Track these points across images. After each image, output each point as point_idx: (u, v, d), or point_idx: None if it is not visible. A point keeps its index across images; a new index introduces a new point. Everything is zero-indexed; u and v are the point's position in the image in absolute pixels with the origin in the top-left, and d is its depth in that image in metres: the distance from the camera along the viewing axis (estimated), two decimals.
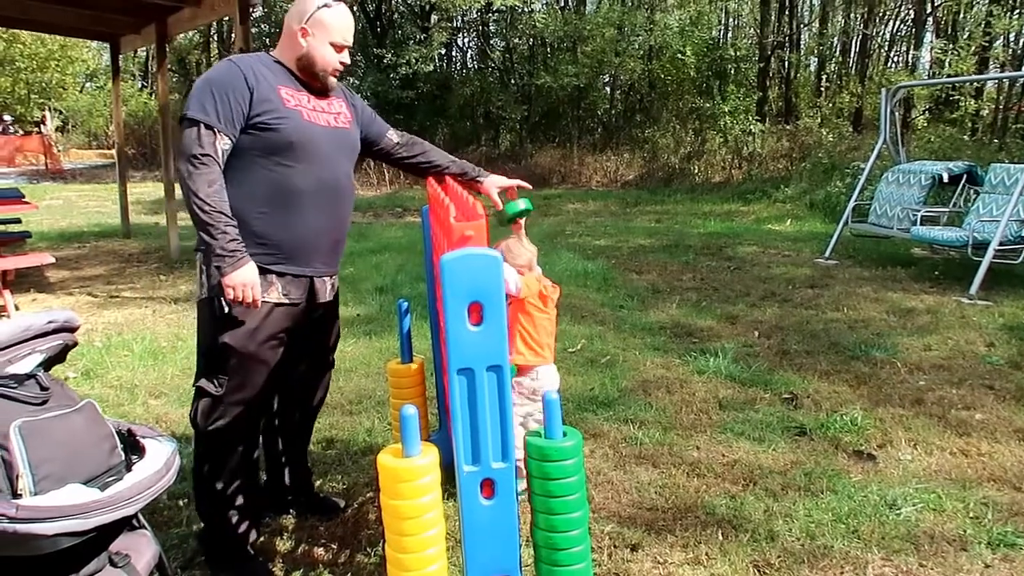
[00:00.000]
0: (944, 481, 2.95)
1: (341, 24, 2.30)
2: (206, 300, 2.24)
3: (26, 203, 6.62)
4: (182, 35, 24.83)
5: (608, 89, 21.72)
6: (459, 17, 21.07)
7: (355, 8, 21.42)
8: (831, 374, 4.19)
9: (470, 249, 1.70)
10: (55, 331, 1.69)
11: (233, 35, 5.88)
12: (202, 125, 2.09)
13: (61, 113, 31.03)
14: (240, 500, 2.39)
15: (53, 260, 6.12)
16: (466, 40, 23.57)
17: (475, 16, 20.77)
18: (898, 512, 2.70)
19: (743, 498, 2.81)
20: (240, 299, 2.11)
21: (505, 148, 20.23)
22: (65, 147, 28.27)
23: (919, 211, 6.96)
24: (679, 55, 17.78)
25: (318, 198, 2.29)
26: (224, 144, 2.13)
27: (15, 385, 1.66)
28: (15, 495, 1.52)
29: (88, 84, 33.13)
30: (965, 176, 7.17)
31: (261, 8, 21.79)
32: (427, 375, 3.33)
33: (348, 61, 2.36)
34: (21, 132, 26.95)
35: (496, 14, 20.66)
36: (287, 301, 2.29)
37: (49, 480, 1.55)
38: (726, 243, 8.70)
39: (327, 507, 2.79)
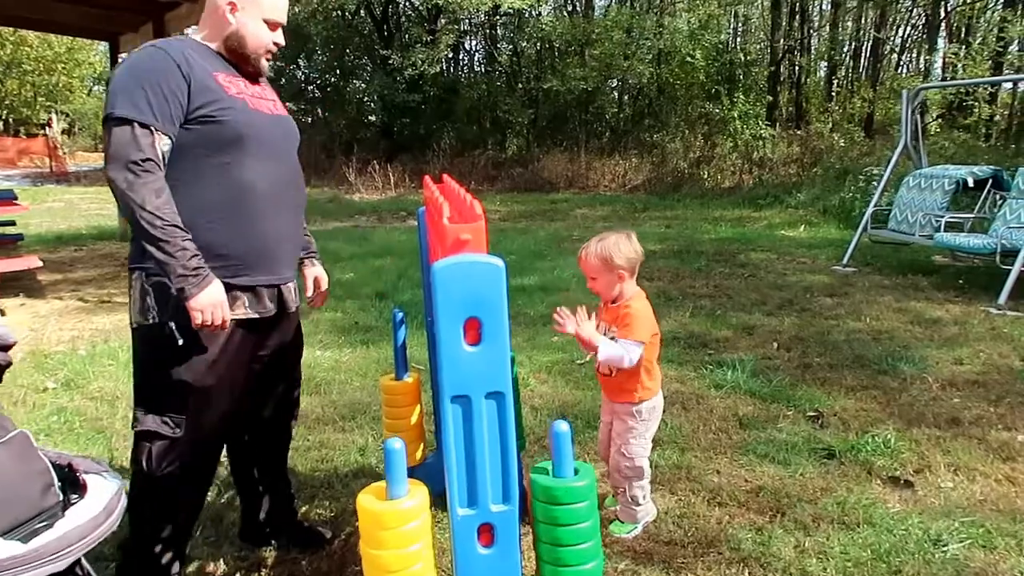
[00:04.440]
0: (991, 512, 2.67)
1: None
2: (154, 327, 1.92)
3: (17, 205, 6.40)
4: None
5: (616, 93, 21.48)
6: (466, 20, 20.85)
7: (361, 10, 21.31)
8: (858, 390, 3.91)
9: (467, 256, 1.45)
10: None
11: None
12: (136, 124, 1.81)
13: (67, 116, 31.00)
14: (180, 545, 2.17)
15: (41, 264, 5.91)
16: (473, 43, 23.37)
17: (483, 19, 20.55)
18: (944, 549, 2.43)
19: (771, 531, 2.55)
20: (209, 323, 1.85)
21: (512, 152, 20.00)
22: (71, 150, 28.23)
23: (943, 217, 6.67)
24: (689, 59, 17.54)
25: (276, 196, 2.03)
26: (164, 144, 1.86)
27: None
28: None
29: (96, 87, 33.13)
30: (990, 181, 6.89)
31: None
32: (426, 389, 3.08)
33: (283, 41, 2.10)
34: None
35: (504, 17, 20.45)
36: (256, 315, 2.03)
37: None
38: (739, 249, 8.43)
39: (311, 538, 2.53)
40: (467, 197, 1.69)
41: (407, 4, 22.17)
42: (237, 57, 2.04)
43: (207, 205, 1.91)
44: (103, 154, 1.85)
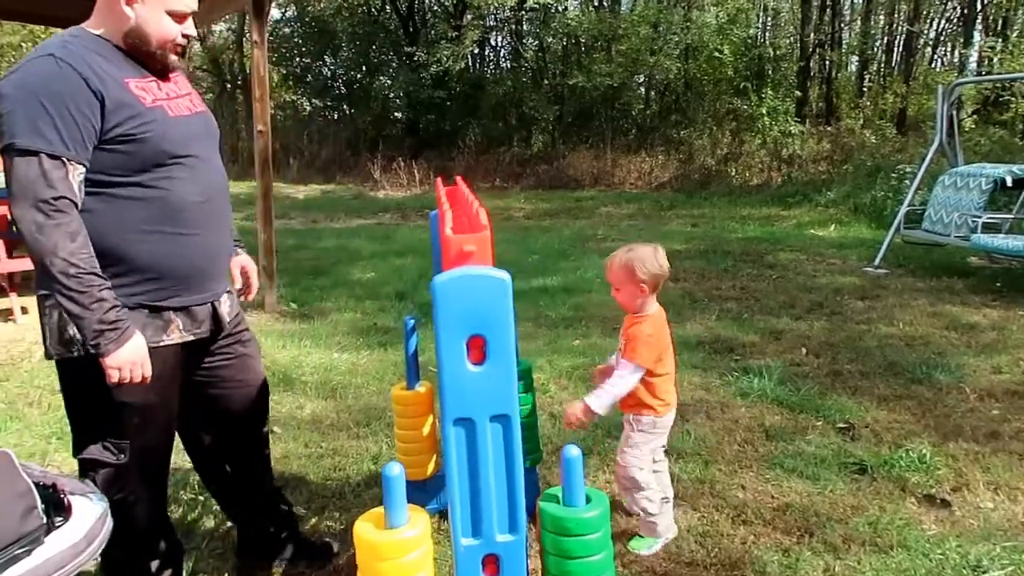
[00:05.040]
0: None
1: None
2: (80, 360, 1.75)
3: None
4: (217, 35, 24.90)
5: (643, 89, 21.23)
6: (492, 15, 20.71)
7: (387, 6, 21.29)
8: (891, 400, 3.75)
9: (470, 269, 1.35)
10: None
11: (248, 31, 5.59)
12: (44, 156, 1.59)
13: None
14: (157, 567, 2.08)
15: None
16: (499, 39, 23.21)
17: (508, 14, 20.38)
18: None
19: (799, 553, 2.42)
20: (127, 380, 1.71)
21: (537, 149, 19.84)
22: None
23: (980, 217, 6.43)
24: (717, 54, 17.25)
25: (206, 208, 1.87)
26: (78, 175, 1.65)
27: None
28: None
29: None
30: None
31: (292, 8, 21.71)
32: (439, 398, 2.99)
33: (193, 32, 1.86)
34: None
35: (529, 12, 20.29)
36: (192, 337, 1.91)
37: None
38: (767, 249, 8.24)
39: (318, 551, 2.45)
40: (474, 203, 1.59)
41: (432, 0, 22.10)
42: (141, 55, 1.79)
43: (133, 226, 1.74)
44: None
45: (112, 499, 1.71)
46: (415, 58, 19.10)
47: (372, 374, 4.30)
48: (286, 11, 22.32)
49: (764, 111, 15.91)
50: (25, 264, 5.82)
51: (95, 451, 1.86)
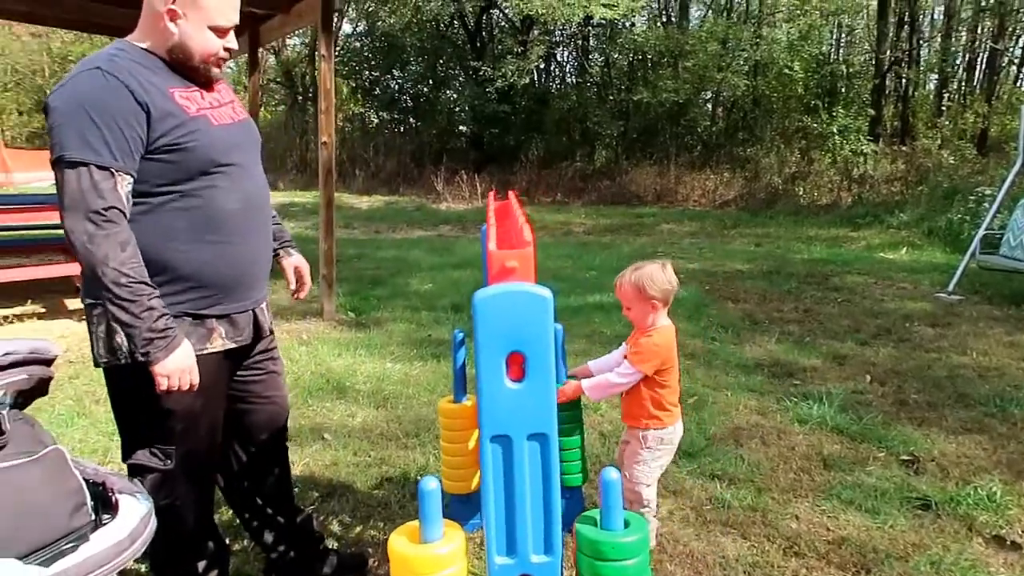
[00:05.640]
0: None
1: (221, 0, 1.79)
2: (127, 367, 1.78)
3: None
4: (291, 48, 25.67)
5: (709, 105, 20.98)
6: (558, 31, 20.80)
7: (455, 22, 21.60)
8: (960, 433, 3.58)
9: (511, 285, 1.34)
10: (16, 364, 1.42)
11: (318, 44, 5.74)
12: (94, 167, 1.63)
13: None
14: (204, 568, 2.11)
15: None
16: (565, 54, 23.29)
17: (574, 30, 20.45)
18: None
19: None
20: (175, 388, 1.73)
21: (600, 164, 19.78)
22: None
23: None
24: (787, 71, 16.93)
25: (247, 216, 1.89)
26: (126, 185, 1.69)
27: None
28: None
29: None
30: None
31: (363, 23, 22.20)
32: None
33: (235, 45, 1.88)
34: None
35: (596, 28, 20.31)
36: (234, 345, 1.93)
37: None
38: (833, 271, 8.00)
39: (351, 563, 2.46)
40: (521, 219, 1.58)
41: (500, 15, 22.33)
42: (185, 68, 1.82)
43: (176, 235, 1.77)
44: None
45: (159, 503, 1.75)
46: (481, 72, 19.31)
47: (424, 385, 4.32)
48: (357, 26, 22.89)
49: (835, 129, 15.52)
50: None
51: (142, 456, 1.90)
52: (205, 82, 1.88)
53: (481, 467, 1.39)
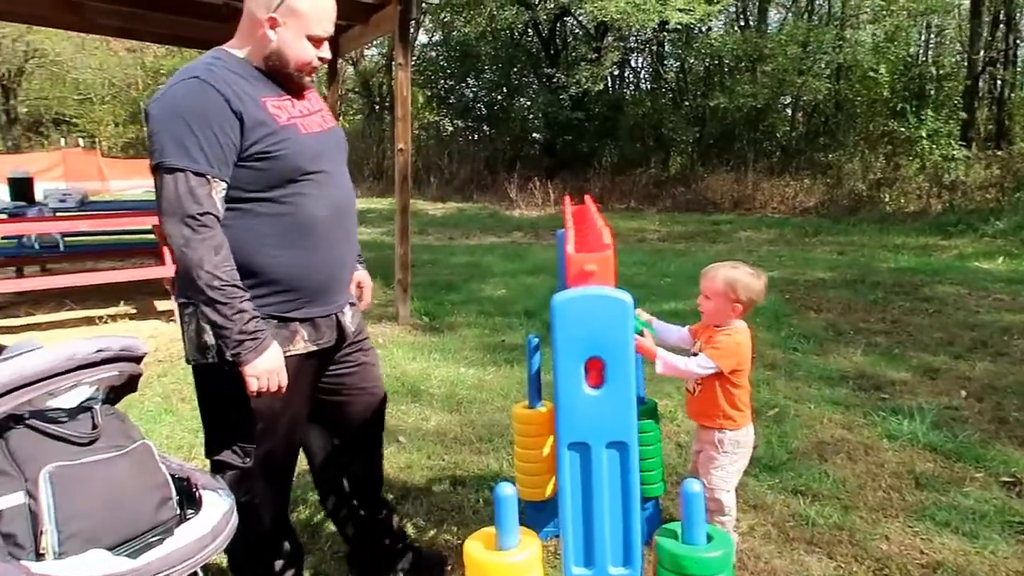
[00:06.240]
0: None
1: (320, 11, 1.84)
2: (214, 366, 1.84)
3: None
4: (368, 58, 26.28)
5: (789, 110, 20.42)
6: (633, 37, 20.64)
7: (529, 29, 21.68)
8: None
9: (590, 289, 1.30)
10: (107, 360, 1.47)
11: (395, 54, 5.83)
12: (191, 174, 1.69)
13: None
14: (281, 567, 2.15)
15: None
16: (639, 60, 23.09)
17: (649, 35, 20.24)
18: None
19: None
20: (264, 389, 1.78)
21: (675, 170, 19.49)
22: None
23: None
24: (872, 73, 16.32)
25: (334, 222, 1.93)
26: (220, 191, 1.75)
27: (65, 419, 1.45)
28: (39, 555, 1.29)
29: None
30: None
31: (438, 33, 22.52)
32: None
33: (328, 55, 1.92)
34: None
35: (671, 33, 20.05)
36: (315, 348, 1.96)
37: (76, 540, 1.32)
38: (922, 281, 7.63)
39: (431, 561, 2.46)
40: (599, 222, 1.54)
41: (574, 22, 22.30)
42: (280, 76, 1.87)
43: (265, 240, 1.82)
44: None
45: (238, 500, 1.78)
46: (555, 79, 19.31)
47: (497, 390, 4.31)
48: (433, 36, 23.25)
49: (924, 134, 14.86)
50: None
51: (224, 454, 1.96)
52: (297, 89, 1.93)
53: (558, 475, 1.36)
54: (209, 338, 1.81)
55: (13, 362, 1.36)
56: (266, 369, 1.76)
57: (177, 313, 1.94)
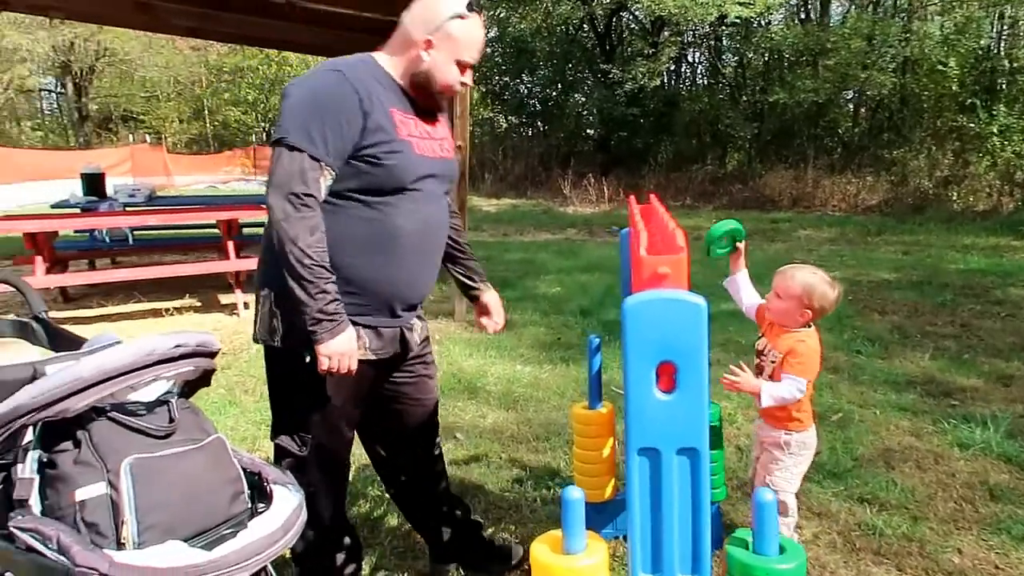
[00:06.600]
0: None
1: (473, 39, 1.92)
2: (282, 351, 1.92)
3: (263, 208, 7.07)
4: None
5: (851, 105, 19.87)
6: (690, 31, 20.34)
7: (585, 25, 21.56)
8: None
9: (663, 292, 1.28)
10: (184, 356, 1.50)
11: None
12: (307, 156, 1.75)
13: None
14: (342, 561, 2.19)
15: None
16: (696, 55, 22.76)
17: (707, 30, 19.93)
18: None
19: None
20: (335, 370, 1.82)
21: (732, 167, 19.19)
22: None
23: None
24: (940, 67, 15.75)
25: (420, 240, 1.96)
26: (328, 181, 1.80)
27: (144, 412, 1.49)
28: (119, 544, 1.33)
29: None
30: None
31: (494, 29, 22.56)
32: (621, 419, 2.92)
33: (471, 82, 1.99)
34: None
35: (730, 27, 19.71)
36: (373, 357, 1.97)
37: (155, 531, 1.35)
38: (993, 283, 7.34)
39: (499, 553, 2.47)
40: (671, 223, 1.52)
41: (630, 17, 22.10)
42: (419, 93, 1.94)
43: (350, 240, 1.86)
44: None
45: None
46: (610, 75, 19.19)
47: (554, 389, 4.30)
48: (488, 32, 23.27)
49: (995, 130, 14.27)
50: (250, 264, 6.46)
51: (285, 439, 2.03)
52: (430, 110, 2.00)
53: (627, 480, 1.34)
54: (278, 323, 1.89)
55: (96, 356, 1.40)
56: (338, 351, 1.80)
57: (255, 294, 2.02)
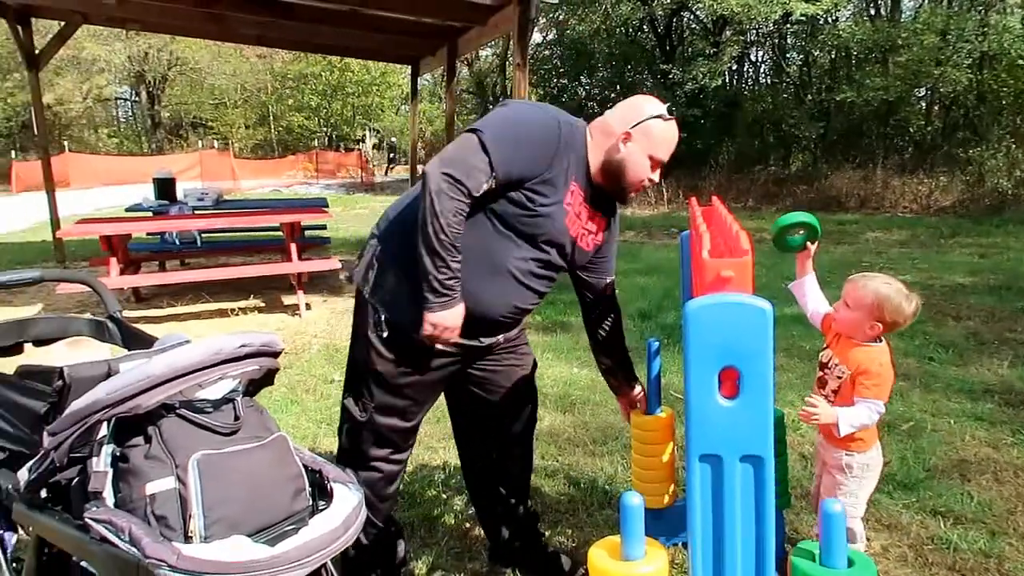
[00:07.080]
0: None
1: (668, 140, 2.04)
2: (366, 300, 2.04)
3: (325, 212, 7.22)
4: (483, 59, 26.67)
5: (924, 103, 19.20)
6: (754, 30, 19.96)
7: (644, 26, 21.36)
8: None
9: (727, 296, 1.25)
10: (249, 356, 1.54)
11: (511, 54, 5.87)
12: (485, 157, 1.85)
13: (378, 132, 35.06)
14: (392, 542, 2.28)
15: (339, 265, 6.59)
16: (759, 54, 22.33)
17: (771, 28, 19.51)
18: None
19: None
20: (435, 338, 1.92)
21: (796, 168, 18.72)
22: (379, 162, 31.98)
23: None
24: (1020, 62, 15.08)
25: (524, 282, 2.03)
26: (485, 187, 1.88)
27: (211, 410, 1.53)
28: (187, 537, 1.37)
29: (404, 107, 37.04)
30: None
31: (552, 32, 22.55)
32: (680, 423, 2.87)
33: (657, 180, 2.10)
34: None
35: (795, 25, 19.26)
36: (442, 350, 2.06)
37: (220, 525, 1.38)
38: None
39: (551, 564, 2.46)
40: (734, 226, 1.48)
41: (691, 17, 21.81)
42: (607, 180, 2.05)
43: (465, 253, 1.90)
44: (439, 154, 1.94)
45: (350, 449, 2.10)
46: (670, 76, 18.94)
47: (611, 393, 4.24)
48: (547, 34, 23.29)
49: None
50: (311, 266, 6.60)
51: (349, 400, 2.13)
52: (614, 198, 2.15)
53: (688, 487, 1.32)
54: (372, 274, 2.03)
55: (166, 355, 1.45)
56: (442, 322, 1.89)
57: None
